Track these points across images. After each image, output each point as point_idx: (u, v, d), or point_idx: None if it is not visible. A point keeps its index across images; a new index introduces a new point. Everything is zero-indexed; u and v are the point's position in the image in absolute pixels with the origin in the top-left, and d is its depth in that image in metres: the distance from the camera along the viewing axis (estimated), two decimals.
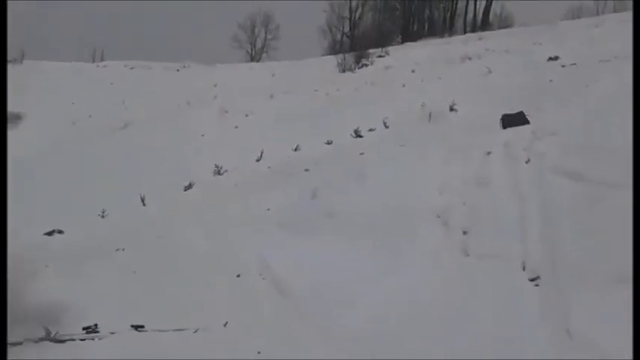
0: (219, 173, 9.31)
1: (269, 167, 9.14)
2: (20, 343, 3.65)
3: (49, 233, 6.95)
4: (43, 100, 18.47)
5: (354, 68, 21.94)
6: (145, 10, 55.55)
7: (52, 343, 3.73)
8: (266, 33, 45.17)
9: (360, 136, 10.14)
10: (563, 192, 5.06)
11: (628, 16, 13.89)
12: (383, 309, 4.02)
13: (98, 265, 5.29)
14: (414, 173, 6.40)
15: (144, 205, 8.13)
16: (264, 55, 44.47)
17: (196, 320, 4.06)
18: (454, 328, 3.66)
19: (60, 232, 7.02)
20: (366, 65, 22.09)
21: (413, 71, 17.71)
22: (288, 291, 4.48)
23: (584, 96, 8.34)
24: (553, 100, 8.86)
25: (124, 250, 5.85)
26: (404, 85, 15.14)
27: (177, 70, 27.26)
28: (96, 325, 3.93)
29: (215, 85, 21.62)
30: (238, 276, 4.88)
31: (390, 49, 26.11)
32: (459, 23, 41.00)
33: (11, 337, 3.45)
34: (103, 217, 7.79)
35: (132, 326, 3.95)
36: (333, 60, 23.66)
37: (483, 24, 37.91)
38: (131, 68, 27.39)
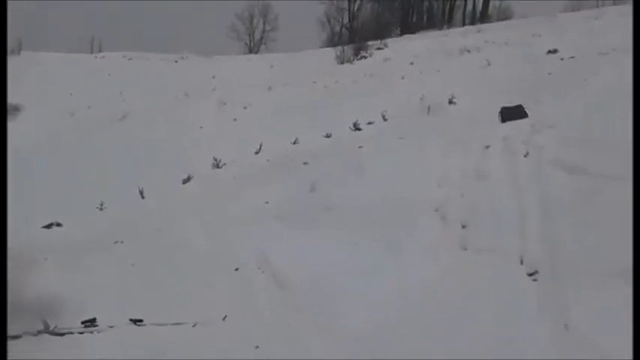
0: (217, 166, 9.29)
1: (268, 160, 9.12)
2: (19, 337, 3.66)
3: (48, 226, 6.94)
4: (41, 91, 18.40)
5: (353, 60, 21.88)
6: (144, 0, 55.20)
7: (51, 337, 3.74)
8: (264, 24, 45.04)
9: (359, 129, 10.13)
10: (562, 185, 5.06)
11: (628, 9, 13.88)
12: (381, 302, 4.03)
13: (97, 258, 5.29)
14: (412, 166, 6.39)
15: (142, 197, 8.11)
16: (262, 46, 44.38)
17: (195, 314, 4.07)
18: (453, 325, 3.66)
19: (58, 225, 7.01)
20: (365, 57, 22.04)
21: (412, 63, 17.66)
22: (286, 284, 4.49)
23: (583, 89, 8.33)
24: (552, 92, 8.85)
25: (122, 243, 5.85)
26: (403, 78, 15.10)
27: (176, 62, 27.14)
28: (95, 318, 3.93)
29: (213, 77, 21.54)
30: (237, 269, 4.89)
31: (389, 41, 26.02)
32: (457, 15, 40.91)
33: (10, 331, 3.45)
34: (101, 209, 7.77)
35: (130, 320, 3.96)
36: (331, 52, 23.59)
37: (482, 16, 37.74)
38: (129, 59, 27.25)
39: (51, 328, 3.78)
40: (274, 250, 5.04)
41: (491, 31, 23.01)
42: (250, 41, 45.19)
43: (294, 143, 9.93)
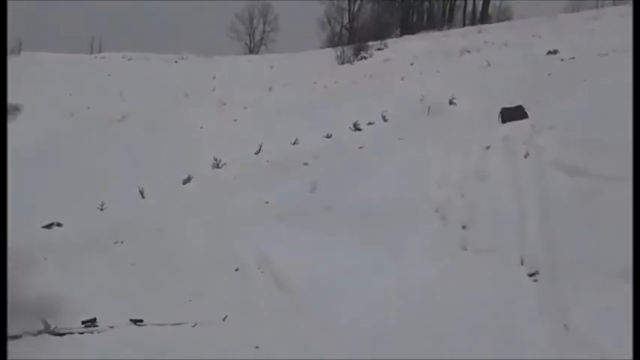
0: (217, 166, 9.30)
1: (268, 160, 9.13)
2: (19, 337, 3.65)
3: (48, 226, 6.94)
4: (41, 91, 18.34)
5: (353, 61, 21.92)
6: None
7: (51, 337, 3.74)
8: (264, 25, 45.02)
9: (359, 130, 10.15)
10: (562, 186, 5.06)
11: (628, 9, 13.87)
12: (380, 302, 4.02)
13: (97, 258, 5.30)
14: (412, 167, 6.39)
15: (143, 197, 8.12)
16: (262, 47, 44.37)
17: (195, 314, 4.06)
18: (453, 325, 3.65)
19: (59, 224, 7.01)
20: (365, 58, 22.08)
21: (412, 64, 17.69)
22: (286, 284, 4.49)
23: (583, 89, 8.33)
24: (552, 93, 8.86)
25: (122, 243, 5.85)
26: (403, 78, 15.12)
27: (176, 62, 27.15)
28: (95, 318, 3.93)
29: (213, 78, 21.54)
30: (237, 269, 4.89)
31: (389, 41, 26.07)
32: (458, 16, 40.95)
33: (10, 331, 3.45)
34: (101, 209, 7.77)
35: (131, 320, 3.95)
36: (331, 52, 23.63)
37: (482, 16, 37.80)
38: (129, 60, 27.25)
39: (51, 328, 3.77)
40: (274, 249, 5.04)
41: (491, 31, 23.05)
42: (250, 41, 45.24)
43: (294, 143, 9.94)
